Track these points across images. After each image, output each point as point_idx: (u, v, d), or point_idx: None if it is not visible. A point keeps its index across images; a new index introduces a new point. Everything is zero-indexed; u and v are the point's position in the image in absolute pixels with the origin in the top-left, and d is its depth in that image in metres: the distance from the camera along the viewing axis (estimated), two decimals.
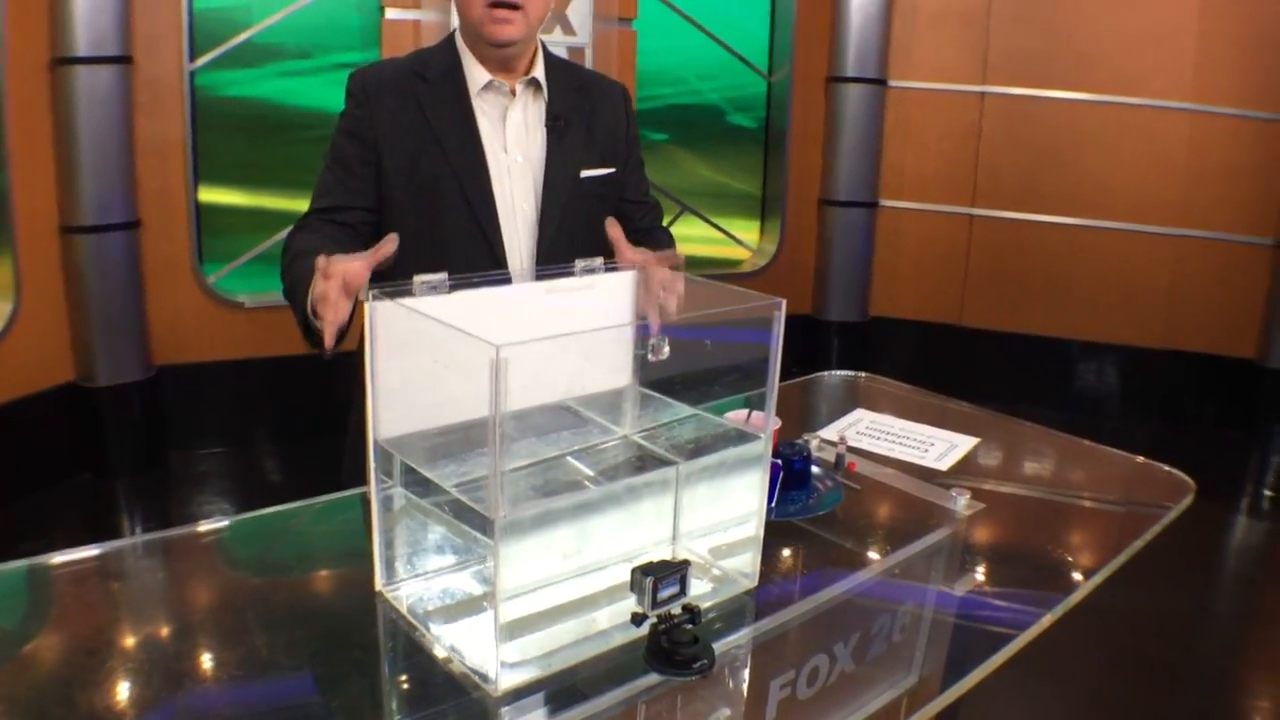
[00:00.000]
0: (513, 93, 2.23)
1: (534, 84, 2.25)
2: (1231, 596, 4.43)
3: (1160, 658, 3.64)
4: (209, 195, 4.92)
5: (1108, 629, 3.60)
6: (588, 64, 5.09)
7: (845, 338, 6.47)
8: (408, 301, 1.38)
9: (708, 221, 6.28)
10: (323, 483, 4.63)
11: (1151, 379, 6.17)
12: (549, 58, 2.30)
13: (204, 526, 1.81)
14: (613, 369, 1.68)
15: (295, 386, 5.12)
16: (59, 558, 1.69)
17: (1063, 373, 6.30)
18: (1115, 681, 3.42)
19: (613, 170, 2.32)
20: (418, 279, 1.43)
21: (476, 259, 2.17)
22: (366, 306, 1.38)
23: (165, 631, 1.51)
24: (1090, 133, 5.97)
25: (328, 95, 5.05)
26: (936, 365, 6.40)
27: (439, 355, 1.30)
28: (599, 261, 1.65)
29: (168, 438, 4.89)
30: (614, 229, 1.98)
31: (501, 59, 2.19)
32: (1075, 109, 5.96)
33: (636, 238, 2.11)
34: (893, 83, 6.17)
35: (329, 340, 1.72)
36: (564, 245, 2.19)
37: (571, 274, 1.63)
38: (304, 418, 5.16)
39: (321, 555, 1.79)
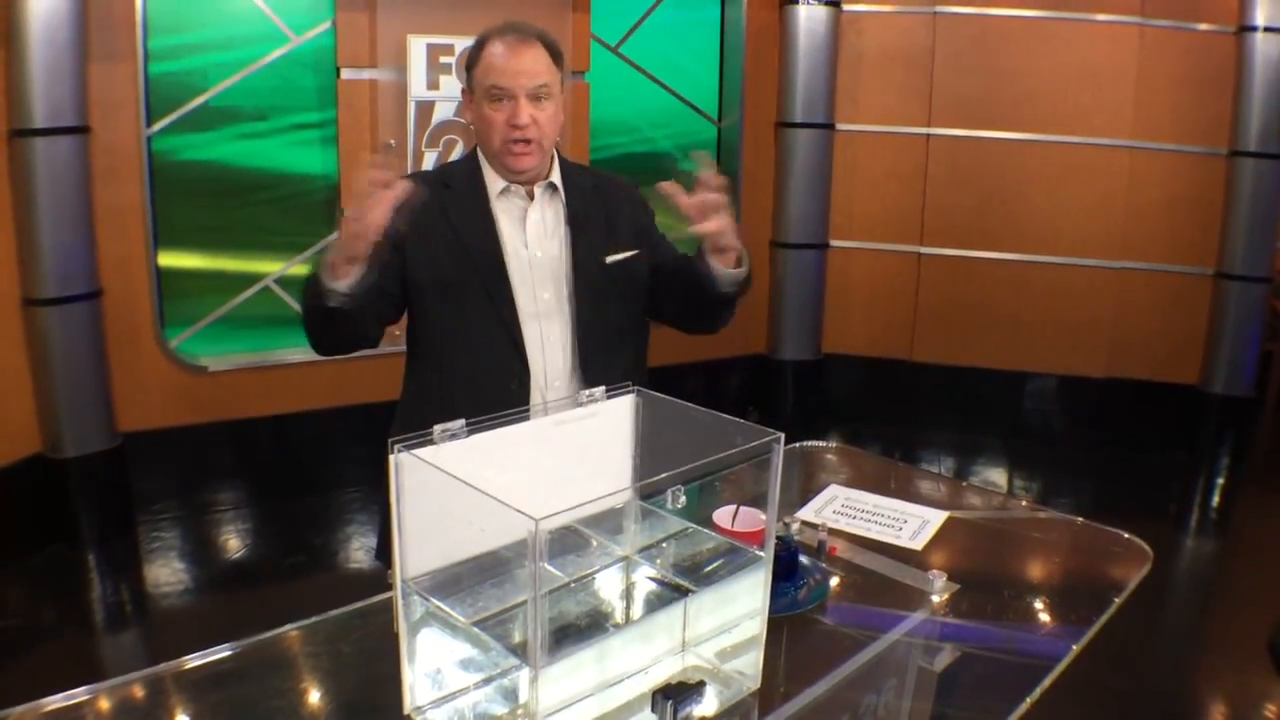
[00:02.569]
0: (530, 195, 2.42)
1: (551, 186, 2.45)
2: (1180, 621, 4.55)
3: (1114, 686, 3.72)
4: (169, 260, 4.93)
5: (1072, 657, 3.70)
6: None
7: (799, 376, 6.55)
8: (429, 456, 1.46)
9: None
10: (290, 545, 4.71)
11: (1097, 407, 6.32)
12: (564, 163, 2.50)
13: (213, 656, 1.79)
14: (615, 486, 1.77)
15: (259, 449, 5.16)
16: (53, 703, 1.65)
17: (1011, 403, 6.43)
18: (1072, 712, 3.50)
19: (635, 252, 2.50)
20: (437, 428, 1.52)
21: (498, 348, 2.37)
22: (391, 459, 1.45)
23: None
24: (1033, 171, 6.12)
25: (285, 156, 5.10)
26: (888, 400, 6.54)
27: (466, 508, 1.37)
28: (600, 391, 1.74)
29: (134, 504, 4.88)
30: (669, 186, 2.15)
31: (520, 181, 2.41)
32: (1018, 148, 6.10)
33: (674, 277, 2.47)
34: (840, 126, 6.28)
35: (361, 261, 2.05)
36: (599, 329, 2.43)
37: (577, 405, 1.72)
38: (268, 480, 5.20)
39: (340, 680, 1.82)
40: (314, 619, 1.93)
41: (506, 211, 2.43)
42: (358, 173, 1.99)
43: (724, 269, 2.28)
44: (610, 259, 2.45)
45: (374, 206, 1.97)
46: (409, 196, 2.01)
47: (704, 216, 2.15)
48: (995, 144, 6.12)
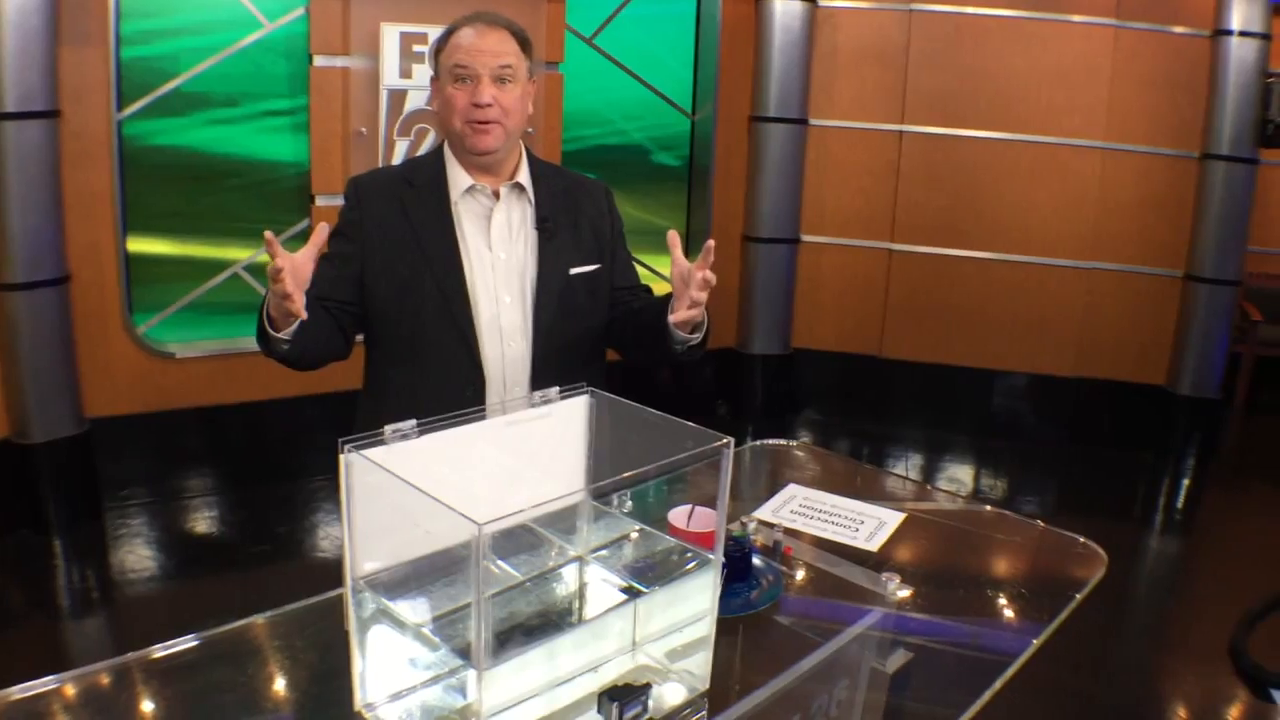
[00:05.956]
0: (496, 195, 2.40)
1: (518, 187, 2.43)
2: (1143, 622, 4.57)
3: (1074, 686, 3.76)
4: (138, 245, 4.90)
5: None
6: None
7: (768, 370, 6.57)
8: (379, 456, 1.46)
9: (634, 259, 6.32)
10: (256, 533, 4.71)
11: (1065, 406, 6.37)
12: (533, 163, 2.49)
13: (173, 648, 1.79)
14: (568, 486, 1.77)
15: (227, 436, 5.14)
16: (14, 694, 1.65)
17: (980, 401, 6.47)
18: (1031, 712, 3.51)
19: (599, 266, 2.50)
20: (388, 428, 1.52)
21: (453, 353, 2.37)
22: (342, 458, 1.45)
23: None
24: (1005, 170, 6.15)
25: (256, 143, 5.08)
26: (857, 396, 6.56)
27: (415, 510, 1.38)
28: (554, 391, 1.75)
29: (101, 490, 4.87)
30: (674, 237, 2.23)
31: (484, 165, 2.38)
32: (991, 147, 6.13)
33: (630, 312, 2.49)
34: (813, 121, 6.29)
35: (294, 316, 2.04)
36: (558, 338, 2.42)
37: (531, 405, 1.72)
38: (235, 467, 5.20)
39: (293, 675, 1.83)
40: (270, 613, 1.93)
41: (470, 211, 2.41)
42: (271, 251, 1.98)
43: (680, 334, 2.28)
44: (574, 271, 2.45)
45: (281, 283, 1.97)
46: (311, 256, 2.06)
47: (684, 291, 2.16)
48: (968, 142, 6.15)
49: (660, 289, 2.49)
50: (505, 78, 2.32)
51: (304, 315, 2.04)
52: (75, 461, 4.73)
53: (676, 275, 2.18)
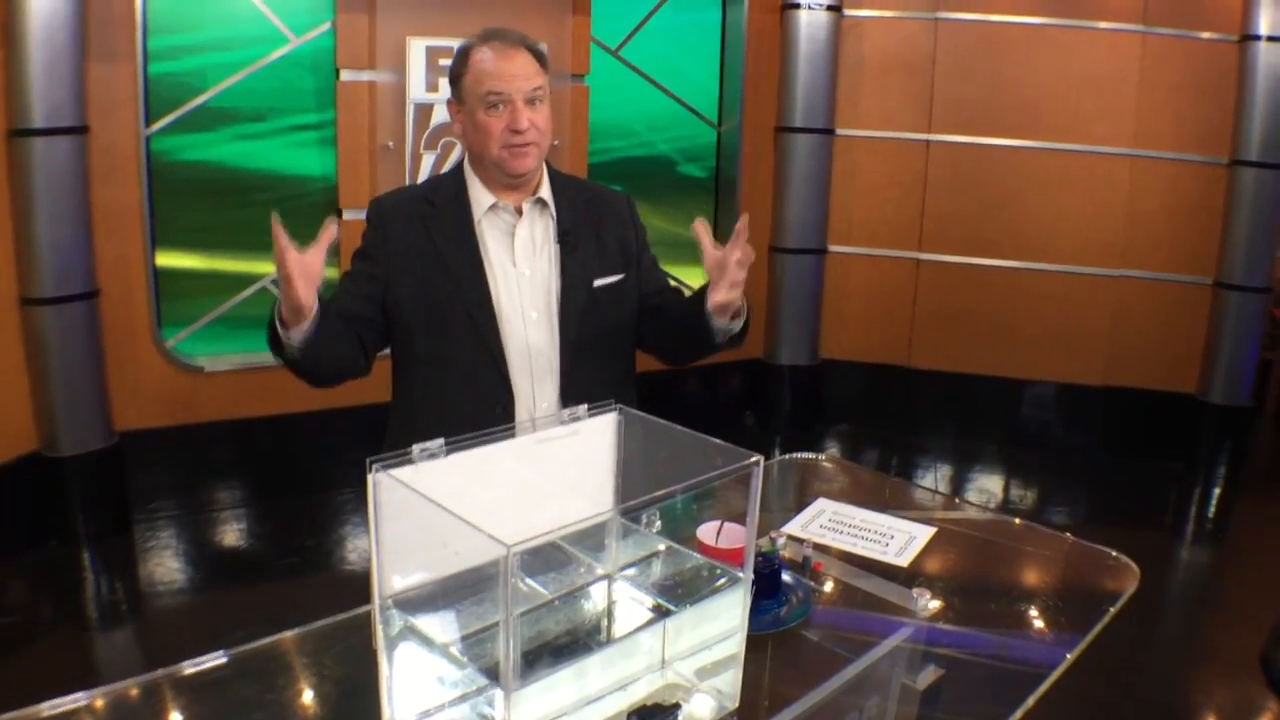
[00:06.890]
0: (519, 211, 2.41)
1: (540, 202, 2.44)
2: (1174, 633, 4.54)
3: (1105, 698, 3.71)
4: (166, 260, 4.93)
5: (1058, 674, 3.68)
6: None
7: (796, 381, 6.55)
8: (407, 477, 1.46)
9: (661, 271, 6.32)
10: (284, 546, 4.71)
11: (1094, 415, 6.32)
12: (554, 176, 2.50)
13: (202, 664, 1.80)
14: (596, 503, 1.77)
15: (255, 449, 5.16)
16: (42, 711, 1.66)
17: (1009, 411, 6.43)
18: None
19: (623, 276, 2.50)
20: (416, 448, 1.52)
21: (479, 368, 2.38)
22: (370, 478, 1.45)
23: None
24: (1033, 178, 6.11)
25: (284, 158, 5.10)
26: (885, 406, 6.54)
27: (442, 530, 1.37)
28: (583, 409, 1.74)
29: (130, 503, 4.89)
30: (701, 226, 2.23)
31: (514, 184, 2.39)
32: (1019, 155, 6.10)
33: (665, 312, 2.51)
34: (840, 131, 6.27)
35: (303, 314, 2.06)
36: (585, 350, 2.43)
37: (560, 423, 1.72)
38: (264, 481, 5.22)
39: (321, 692, 1.83)
40: (298, 629, 1.93)
41: (494, 229, 2.42)
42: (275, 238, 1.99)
43: (720, 322, 2.28)
44: (598, 283, 2.46)
45: (287, 268, 1.99)
46: (325, 243, 2.06)
47: (721, 276, 2.16)
48: (995, 151, 6.12)
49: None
50: (537, 99, 2.35)
51: (312, 304, 2.05)
52: (104, 474, 4.75)
53: (711, 263, 2.18)
